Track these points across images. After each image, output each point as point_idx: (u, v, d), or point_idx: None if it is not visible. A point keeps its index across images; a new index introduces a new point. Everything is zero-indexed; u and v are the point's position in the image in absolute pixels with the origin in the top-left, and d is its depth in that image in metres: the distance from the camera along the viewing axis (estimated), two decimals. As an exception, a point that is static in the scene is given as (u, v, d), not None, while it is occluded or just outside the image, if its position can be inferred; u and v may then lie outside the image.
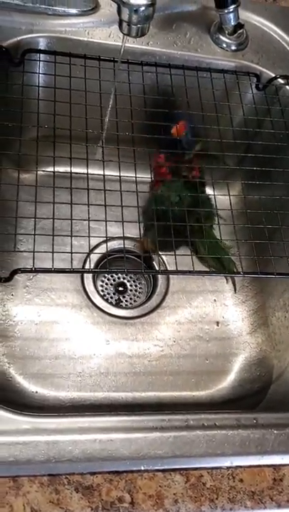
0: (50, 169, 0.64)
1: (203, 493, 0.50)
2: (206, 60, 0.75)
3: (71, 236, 0.62)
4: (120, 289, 0.81)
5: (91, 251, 0.79)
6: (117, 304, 0.79)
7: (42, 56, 0.70)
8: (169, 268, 0.82)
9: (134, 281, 0.82)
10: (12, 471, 0.48)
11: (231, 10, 0.73)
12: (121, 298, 0.80)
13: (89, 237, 0.63)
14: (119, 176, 0.64)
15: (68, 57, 0.69)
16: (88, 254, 0.79)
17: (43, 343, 0.72)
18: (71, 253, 0.61)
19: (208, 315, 0.81)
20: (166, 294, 0.81)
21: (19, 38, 0.69)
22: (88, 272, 0.79)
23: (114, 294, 0.81)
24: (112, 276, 0.82)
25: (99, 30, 0.72)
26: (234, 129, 0.73)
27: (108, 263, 0.78)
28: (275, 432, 0.55)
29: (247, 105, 0.76)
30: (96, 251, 0.79)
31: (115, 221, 0.63)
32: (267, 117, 0.75)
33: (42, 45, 0.71)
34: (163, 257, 0.83)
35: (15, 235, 0.64)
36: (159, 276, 0.82)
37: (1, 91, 0.66)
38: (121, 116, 0.68)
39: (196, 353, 0.77)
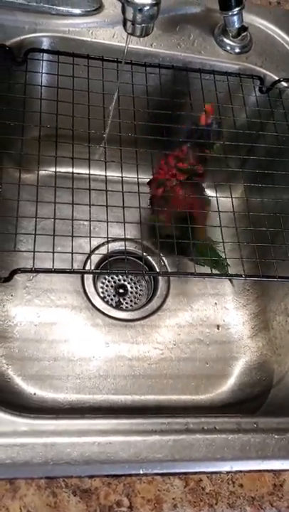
0: (52, 169, 0.64)
1: (203, 498, 0.50)
2: (209, 62, 0.75)
3: (72, 236, 0.61)
4: (121, 291, 0.80)
5: (92, 252, 0.79)
6: (118, 306, 0.79)
7: (45, 56, 0.70)
8: (170, 270, 0.81)
9: (134, 284, 0.82)
10: (9, 473, 0.48)
11: (235, 12, 0.73)
12: (121, 300, 0.80)
13: (90, 237, 0.63)
14: (121, 177, 0.63)
15: (71, 57, 0.69)
16: (89, 256, 0.79)
17: (42, 345, 0.72)
18: (71, 254, 0.60)
19: (209, 318, 0.80)
20: (166, 296, 0.80)
21: (22, 37, 0.69)
22: (88, 272, 0.79)
23: (114, 296, 0.80)
24: (112, 278, 0.81)
25: (102, 31, 0.72)
26: (237, 131, 0.72)
27: (109, 264, 0.78)
28: (276, 436, 0.54)
29: (250, 108, 0.76)
30: (97, 252, 0.79)
31: (116, 222, 0.63)
32: (270, 120, 0.74)
33: (45, 44, 0.71)
34: (164, 258, 0.82)
35: (15, 235, 0.64)
36: (160, 278, 0.81)
37: (4, 90, 0.66)
38: (124, 117, 0.67)
39: (197, 356, 0.77)
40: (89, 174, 0.64)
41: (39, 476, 0.48)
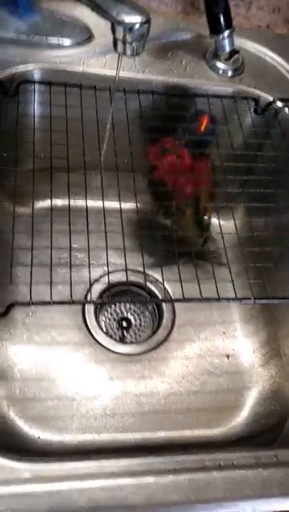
0: (48, 201, 0.63)
1: None
2: (203, 87, 0.75)
3: (70, 267, 0.59)
4: (124, 324, 0.77)
5: (92, 284, 0.76)
6: (122, 340, 0.76)
7: (37, 86, 0.69)
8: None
9: (138, 315, 0.79)
10: (10, 526, 0.44)
11: (226, 36, 0.72)
12: (125, 333, 0.77)
13: (89, 267, 0.60)
14: (119, 202, 0.62)
15: (64, 87, 0.68)
16: (89, 288, 0.76)
17: (45, 384, 0.69)
18: (70, 285, 0.58)
19: (218, 348, 0.77)
20: (172, 327, 0.77)
21: (14, 70, 0.69)
22: (89, 302, 0.76)
23: (117, 329, 0.77)
24: (115, 310, 0.78)
25: (94, 60, 0.72)
26: (234, 152, 0.71)
27: (110, 296, 0.75)
28: (299, 470, 0.50)
29: (247, 128, 0.75)
30: (97, 283, 0.76)
31: (116, 249, 0.61)
32: (267, 140, 0.73)
33: (37, 76, 0.70)
34: (167, 286, 0.79)
35: (10, 267, 0.61)
36: (164, 308, 0.78)
37: (-5, 122, 0.65)
38: (119, 144, 0.66)
39: (207, 388, 0.73)
40: (86, 203, 0.62)
41: (44, 527, 0.44)
